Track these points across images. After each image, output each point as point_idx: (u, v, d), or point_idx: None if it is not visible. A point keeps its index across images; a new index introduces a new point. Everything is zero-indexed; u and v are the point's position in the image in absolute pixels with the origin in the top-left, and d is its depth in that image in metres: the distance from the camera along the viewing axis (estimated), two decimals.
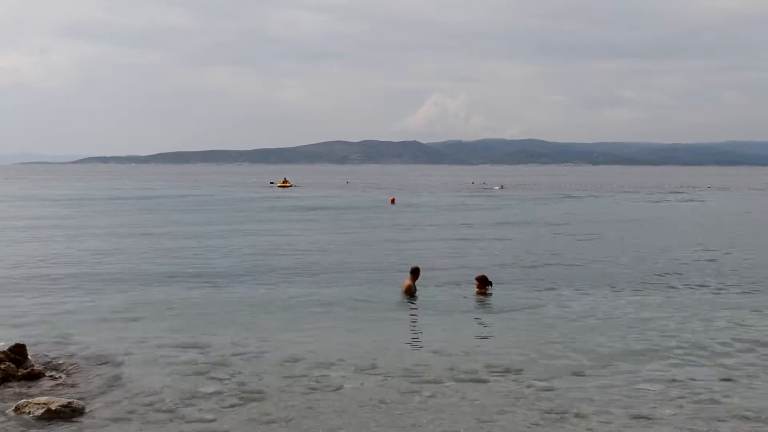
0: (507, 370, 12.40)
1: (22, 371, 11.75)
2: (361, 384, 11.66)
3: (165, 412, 10.31)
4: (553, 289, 20.31)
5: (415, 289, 18.86)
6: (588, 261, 26.04)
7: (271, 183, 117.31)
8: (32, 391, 11.04)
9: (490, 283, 19.30)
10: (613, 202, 68.45)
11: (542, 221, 44.35)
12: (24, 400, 10.22)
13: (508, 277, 21.95)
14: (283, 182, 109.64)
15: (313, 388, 11.41)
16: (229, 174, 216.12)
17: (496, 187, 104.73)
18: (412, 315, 17.37)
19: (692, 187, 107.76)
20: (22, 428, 9.56)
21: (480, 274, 19.74)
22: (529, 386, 11.55)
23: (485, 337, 14.99)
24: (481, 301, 18.54)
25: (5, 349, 12.41)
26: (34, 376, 11.66)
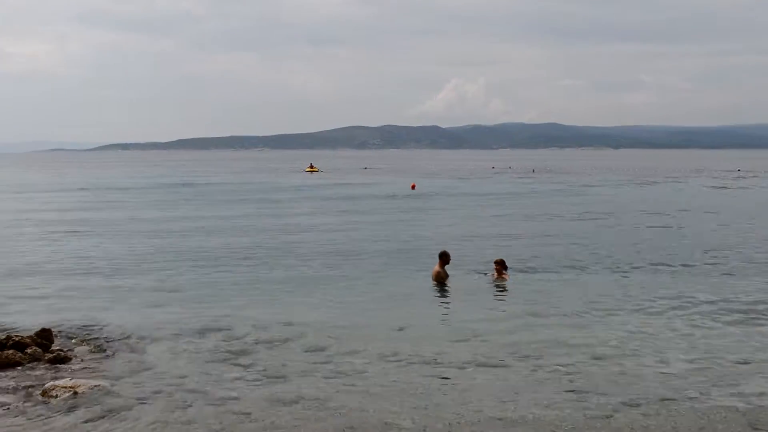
0: (529, 354, 12.40)
1: (48, 355, 11.92)
2: (384, 368, 11.72)
3: (190, 392, 10.43)
4: (579, 272, 20.33)
5: (446, 275, 18.84)
6: (625, 246, 25.68)
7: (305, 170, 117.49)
8: (59, 374, 11.18)
9: (507, 267, 19.30)
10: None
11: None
12: (50, 384, 10.37)
13: (531, 261, 21.96)
14: (310, 167, 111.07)
15: (336, 372, 11.49)
16: (253, 160, 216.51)
17: (515, 172, 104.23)
18: (435, 299, 17.41)
19: (724, 171, 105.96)
20: (49, 411, 9.69)
21: (498, 257, 19.73)
22: (552, 370, 11.56)
23: (505, 322, 14.94)
24: (500, 285, 18.54)
25: (32, 334, 12.60)
26: (61, 360, 11.81)
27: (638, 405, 10.03)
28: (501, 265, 19.18)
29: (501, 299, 17.35)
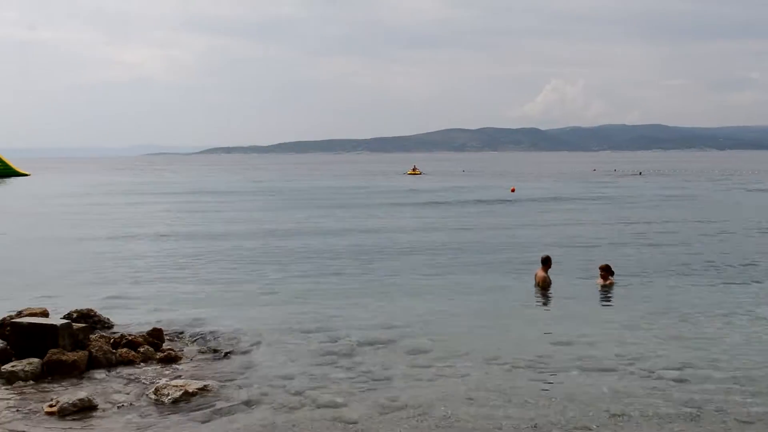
0: (635, 361, 12.11)
1: (159, 354, 12.23)
2: (487, 372, 11.62)
3: (296, 395, 10.52)
4: (686, 280, 19.67)
5: (549, 280, 18.60)
6: (737, 252, 24.77)
7: (404, 173, 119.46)
8: (169, 373, 11.47)
9: (613, 272, 18.90)
10: None
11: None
12: (163, 382, 10.63)
13: (634, 266, 21.45)
14: (413, 170, 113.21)
15: (440, 375, 11.44)
16: (353, 163, 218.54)
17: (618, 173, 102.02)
18: (538, 304, 17.23)
19: None
20: (161, 409, 9.93)
21: (604, 263, 19.33)
22: (659, 378, 11.25)
23: (611, 327, 14.64)
24: (605, 291, 18.17)
25: (144, 333, 12.98)
26: (171, 360, 12.11)
27: (761, 419, 9.63)
28: (606, 271, 18.79)
29: (606, 304, 17.03)
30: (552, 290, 18.23)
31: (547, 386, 10.93)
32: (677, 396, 10.47)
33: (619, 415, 9.79)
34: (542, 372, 11.62)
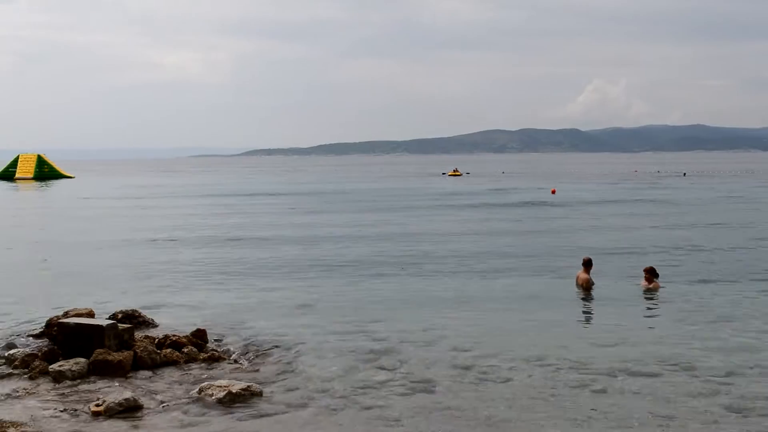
0: (680, 364, 11.98)
1: (203, 355, 12.34)
2: (530, 375, 11.55)
3: (338, 398, 10.54)
4: (731, 284, 19.35)
5: (591, 281, 18.44)
6: None
7: (443, 173, 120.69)
8: (213, 374, 11.56)
9: (658, 275, 18.65)
10: None
11: None
12: (207, 383, 10.71)
13: (679, 269, 21.19)
14: (453, 171, 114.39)
15: (482, 378, 11.40)
16: (393, 165, 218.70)
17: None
18: (580, 306, 17.12)
19: None
20: (205, 409, 10.02)
21: (648, 265, 19.11)
22: (705, 381, 11.12)
23: (656, 330, 14.54)
24: (649, 293, 17.96)
25: (188, 334, 13.09)
26: (214, 360, 12.21)
27: None
28: (651, 273, 18.55)
29: (650, 307, 16.83)
30: (594, 292, 18.09)
31: (590, 388, 10.86)
32: (722, 399, 10.34)
33: (663, 417, 9.70)
34: (585, 374, 11.53)
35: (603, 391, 10.79)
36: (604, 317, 15.74)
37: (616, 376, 11.41)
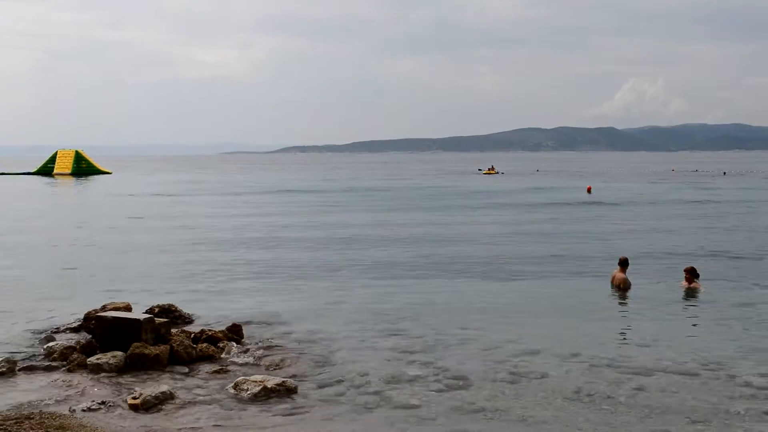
0: (718, 366, 11.83)
1: (238, 350, 12.38)
2: (566, 373, 11.48)
3: (373, 395, 10.54)
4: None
5: (628, 281, 18.26)
6: None
7: (479, 170, 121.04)
8: (248, 369, 11.60)
9: (698, 275, 18.41)
10: None
11: None
12: (242, 378, 10.75)
13: (720, 270, 20.91)
14: (489, 170, 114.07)
15: (517, 377, 11.34)
16: (429, 162, 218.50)
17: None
18: (616, 306, 16.99)
19: None
20: (240, 404, 10.06)
21: (689, 265, 18.86)
22: (744, 384, 10.95)
23: (694, 331, 14.39)
24: (689, 293, 17.74)
25: (223, 329, 13.15)
26: (250, 355, 12.23)
27: None
28: (691, 273, 18.31)
29: (689, 307, 16.64)
30: (631, 292, 17.92)
31: (626, 388, 10.76)
32: (760, 404, 10.16)
33: (700, 422, 9.57)
34: (621, 374, 11.44)
35: (640, 389, 10.70)
36: (641, 317, 15.59)
37: (652, 376, 11.30)
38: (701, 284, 18.17)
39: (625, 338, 13.79)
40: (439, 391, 10.73)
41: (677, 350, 12.76)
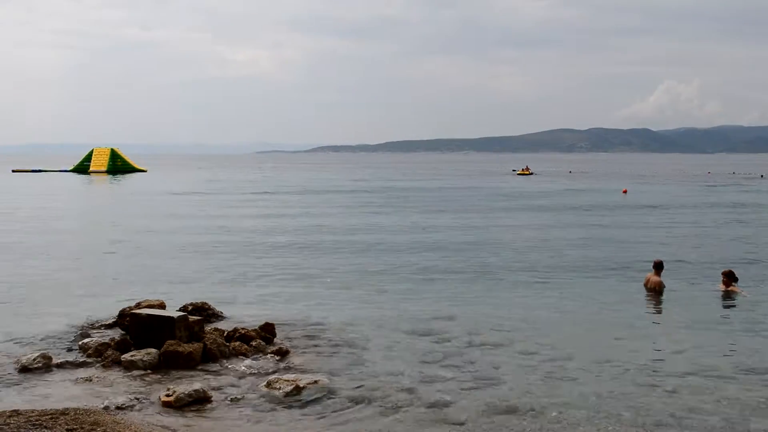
0: (755, 371, 11.67)
1: (271, 348, 12.41)
2: (599, 376, 11.38)
3: (405, 393, 10.52)
4: None
5: (662, 284, 18.06)
6: None
7: (513, 170, 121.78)
8: (280, 367, 11.62)
9: (737, 279, 18.14)
10: None
11: None
12: (275, 376, 10.77)
13: (759, 275, 20.59)
14: (523, 170, 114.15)
15: (550, 379, 11.27)
16: (464, 162, 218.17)
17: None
18: (649, 307, 16.83)
19: None
20: (272, 403, 10.07)
21: (727, 268, 18.59)
22: None
23: (731, 335, 14.16)
24: (727, 297, 17.50)
25: (256, 327, 13.18)
26: (282, 354, 12.26)
27: None
28: (729, 277, 18.04)
29: (727, 311, 16.44)
30: (666, 295, 17.72)
31: (660, 393, 10.64)
32: None
33: (737, 427, 9.42)
34: (655, 378, 11.31)
35: (674, 392, 10.59)
36: (676, 320, 15.45)
37: (687, 380, 11.17)
38: (740, 288, 17.89)
39: (659, 342, 13.64)
40: (471, 390, 10.68)
41: (713, 354, 12.61)
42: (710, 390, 10.74)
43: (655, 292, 17.91)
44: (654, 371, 11.61)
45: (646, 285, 18.33)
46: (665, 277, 18.36)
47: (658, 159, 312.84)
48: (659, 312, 16.51)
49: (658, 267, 18.30)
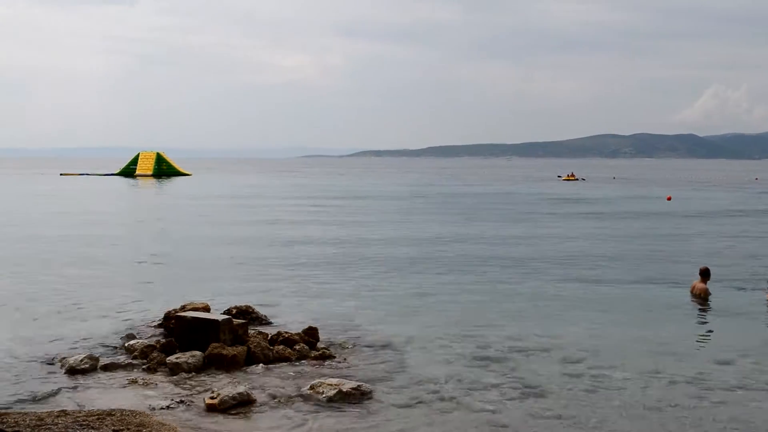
0: None
1: (314, 353, 12.45)
2: (645, 385, 11.24)
3: (448, 401, 10.49)
4: None
5: (708, 291, 17.81)
6: None
7: (558, 176, 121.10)
8: (323, 372, 11.65)
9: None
10: None
11: None
12: (318, 380, 10.80)
13: None
14: (569, 176, 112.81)
15: (594, 387, 11.16)
16: (507, 168, 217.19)
17: None
18: (696, 316, 16.60)
19: None
20: (316, 406, 10.11)
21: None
22: None
23: None
24: None
25: (300, 331, 13.24)
26: (325, 358, 12.30)
27: None
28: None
29: None
30: (712, 303, 17.46)
31: (707, 404, 10.47)
32: None
33: None
34: (702, 389, 11.14)
35: (721, 404, 10.44)
36: (723, 328, 15.24)
37: (735, 391, 11.01)
38: None
39: (706, 351, 13.47)
40: (515, 398, 10.62)
41: (761, 366, 12.38)
42: (758, 404, 10.55)
43: (701, 299, 17.68)
44: (701, 382, 11.43)
45: (692, 292, 18.12)
46: (712, 285, 18.10)
47: (703, 165, 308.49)
48: (705, 320, 16.27)
49: (705, 274, 18.06)
